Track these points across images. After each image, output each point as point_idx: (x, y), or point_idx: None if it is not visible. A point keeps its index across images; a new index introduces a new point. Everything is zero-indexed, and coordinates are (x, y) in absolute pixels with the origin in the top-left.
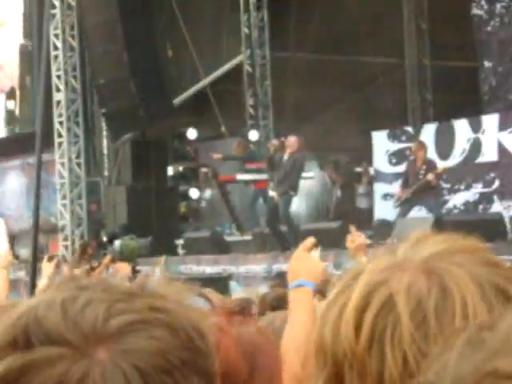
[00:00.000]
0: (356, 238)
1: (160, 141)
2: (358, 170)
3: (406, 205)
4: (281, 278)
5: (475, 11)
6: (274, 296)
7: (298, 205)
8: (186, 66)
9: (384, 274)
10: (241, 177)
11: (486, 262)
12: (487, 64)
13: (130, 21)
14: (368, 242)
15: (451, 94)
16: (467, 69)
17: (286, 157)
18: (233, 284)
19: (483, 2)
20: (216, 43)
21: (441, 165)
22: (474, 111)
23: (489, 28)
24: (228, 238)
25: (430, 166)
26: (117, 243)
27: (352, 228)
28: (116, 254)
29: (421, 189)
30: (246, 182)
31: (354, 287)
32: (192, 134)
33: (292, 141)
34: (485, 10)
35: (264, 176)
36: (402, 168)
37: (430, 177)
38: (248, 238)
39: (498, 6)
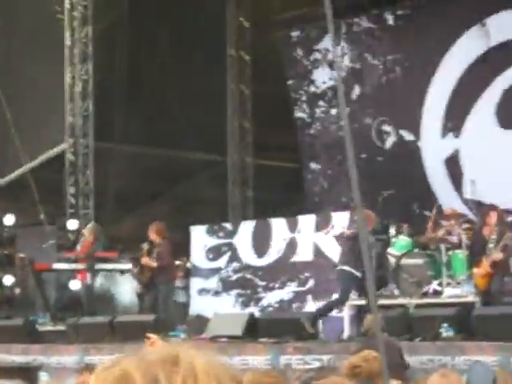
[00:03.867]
0: (155, 340)
1: None
2: (177, 263)
3: None
4: (89, 370)
5: (298, 114)
6: None
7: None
8: (8, 150)
9: None
10: (57, 266)
11: None
12: (314, 166)
13: None
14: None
15: (271, 192)
16: (288, 169)
17: None
18: (42, 375)
19: (305, 106)
20: (39, 130)
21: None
22: (293, 210)
23: (312, 131)
24: (41, 328)
25: None
26: None
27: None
28: None
29: None
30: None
31: None
32: (9, 219)
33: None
34: (307, 114)
35: (81, 266)
36: (218, 263)
37: None
38: (62, 328)
39: (318, 110)
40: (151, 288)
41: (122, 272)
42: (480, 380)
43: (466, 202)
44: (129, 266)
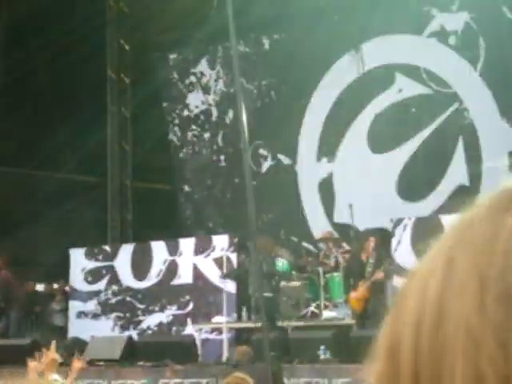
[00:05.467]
0: (51, 354)
1: None
2: (55, 286)
3: None
4: None
5: (171, 136)
6: None
7: None
8: None
9: None
10: None
11: None
12: (186, 189)
13: None
14: (59, 359)
15: (151, 215)
16: (167, 192)
17: None
18: None
19: (176, 129)
20: None
21: None
22: (172, 233)
23: (182, 154)
24: None
25: None
26: None
27: (53, 344)
28: None
29: None
30: None
31: None
32: None
33: None
34: (178, 137)
35: None
36: (97, 286)
37: None
38: None
39: (190, 133)
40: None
41: None
42: None
43: (335, 226)
44: None
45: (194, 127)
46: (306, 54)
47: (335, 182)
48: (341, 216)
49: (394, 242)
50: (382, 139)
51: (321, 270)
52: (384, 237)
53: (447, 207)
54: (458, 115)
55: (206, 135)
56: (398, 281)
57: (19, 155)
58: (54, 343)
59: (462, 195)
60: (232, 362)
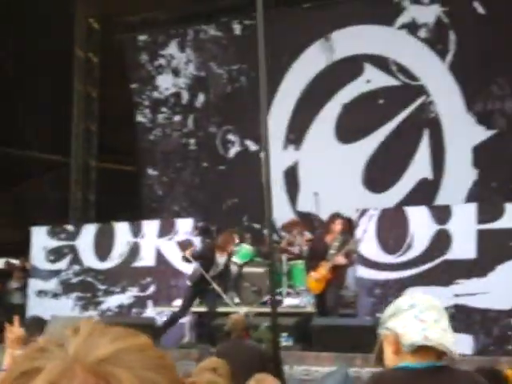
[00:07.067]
0: (15, 329)
1: None
2: (16, 263)
3: None
4: None
5: (139, 118)
6: None
7: None
8: None
9: (58, 377)
10: None
11: (156, 364)
12: (152, 172)
13: None
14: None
15: (114, 196)
16: (133, 173)
17: None
18: None
19: (146, 111)
20: None
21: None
22: (136, 215)
23: (151, 137)
24: None
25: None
26: None
27: (15, 319)
28: None
29: None
30: None
31: None
32: None
33: None
34: (148, 119)
35: None
36: (59, 265)
37: None
38: None
39: (160, 116)
40: None
41: None
42: None
43: (299, 214)
44: None
45: (163, 110)
46: (276, 40)
47: (301, 171)
48: (305, 205)
49: (358, 232)
50: (348, 129)
51: (284, 257)
52: (349, 224)
53: (411, 199)
54: (424, 108)
55: (176, 118)
56: (361, 271)
57: None
58: (16, 319)
59: (426, 188)
60: (226, 329)
